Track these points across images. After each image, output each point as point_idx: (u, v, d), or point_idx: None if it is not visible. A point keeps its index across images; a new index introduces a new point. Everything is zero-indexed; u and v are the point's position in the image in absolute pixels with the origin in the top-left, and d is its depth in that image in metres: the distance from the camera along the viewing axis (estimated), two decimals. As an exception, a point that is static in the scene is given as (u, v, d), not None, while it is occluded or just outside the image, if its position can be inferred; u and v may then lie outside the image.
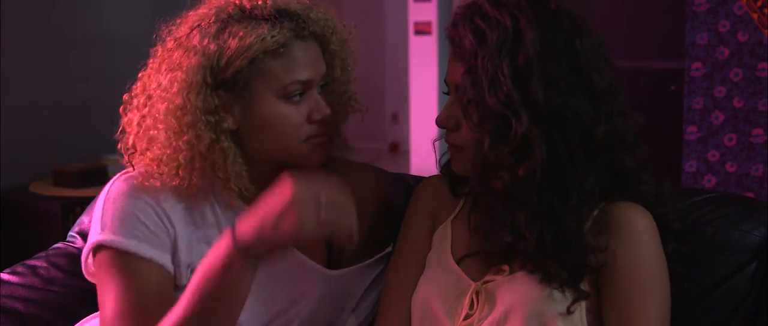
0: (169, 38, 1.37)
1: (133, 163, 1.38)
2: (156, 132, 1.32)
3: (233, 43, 1.29)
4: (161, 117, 1.32)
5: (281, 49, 1.30)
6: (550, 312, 1.22)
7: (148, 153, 1.34)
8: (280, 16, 1.32)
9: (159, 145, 1.32)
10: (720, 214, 1.42)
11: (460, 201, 1.41)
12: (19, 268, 1.77)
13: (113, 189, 1.35)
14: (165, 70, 1.33)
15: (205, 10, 1.36)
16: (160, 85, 1.33)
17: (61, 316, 1.69)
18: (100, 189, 1.95)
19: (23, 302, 1.70)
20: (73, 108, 3.56)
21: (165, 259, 1.32)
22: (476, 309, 1.27)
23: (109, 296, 1.29)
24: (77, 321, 1.53)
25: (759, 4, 3.20)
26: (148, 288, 1.29)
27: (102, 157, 3.44)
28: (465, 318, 1.28)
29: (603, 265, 1.24)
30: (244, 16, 1.32)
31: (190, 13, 1.37)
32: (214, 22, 1.33)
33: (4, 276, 1.74)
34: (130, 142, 1.36)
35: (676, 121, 3.47)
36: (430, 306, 1.32)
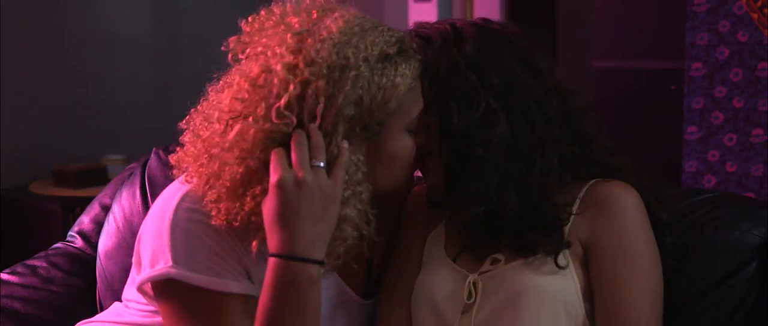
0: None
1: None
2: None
3: (383, 86, 1.18)
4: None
5: (413, 82, 1.24)
6: (547, 296, 1.25)
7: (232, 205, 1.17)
8: (403, 44, 1.24)
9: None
10: (720, 214, 1.42)
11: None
12: (19, 268, 1.77)
13: (181, 215, 1.22)
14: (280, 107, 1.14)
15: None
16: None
17: (61, 316, 1.70)
18: (101, 190, 1.96)
19: (23, 302, 1.70)
20: (73, 108, 3.55)
21: (244, 286, 1.22)
22: (474, 299, 1.30)
23: None
24: (77, 321, 1.53)
25: (759, 4, 3.20)
26: (226, 322, 1.20)
27: (102, 157, 3.44)
28: (464, 312, 1.30)
29: (591, 244, 1.28)
30: (381, 55, 1.19)
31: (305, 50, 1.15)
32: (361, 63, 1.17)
33: (4, 276, 1.74)
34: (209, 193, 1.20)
35: (676, 121, 3.46)
36: (429, 302, 1.34)
